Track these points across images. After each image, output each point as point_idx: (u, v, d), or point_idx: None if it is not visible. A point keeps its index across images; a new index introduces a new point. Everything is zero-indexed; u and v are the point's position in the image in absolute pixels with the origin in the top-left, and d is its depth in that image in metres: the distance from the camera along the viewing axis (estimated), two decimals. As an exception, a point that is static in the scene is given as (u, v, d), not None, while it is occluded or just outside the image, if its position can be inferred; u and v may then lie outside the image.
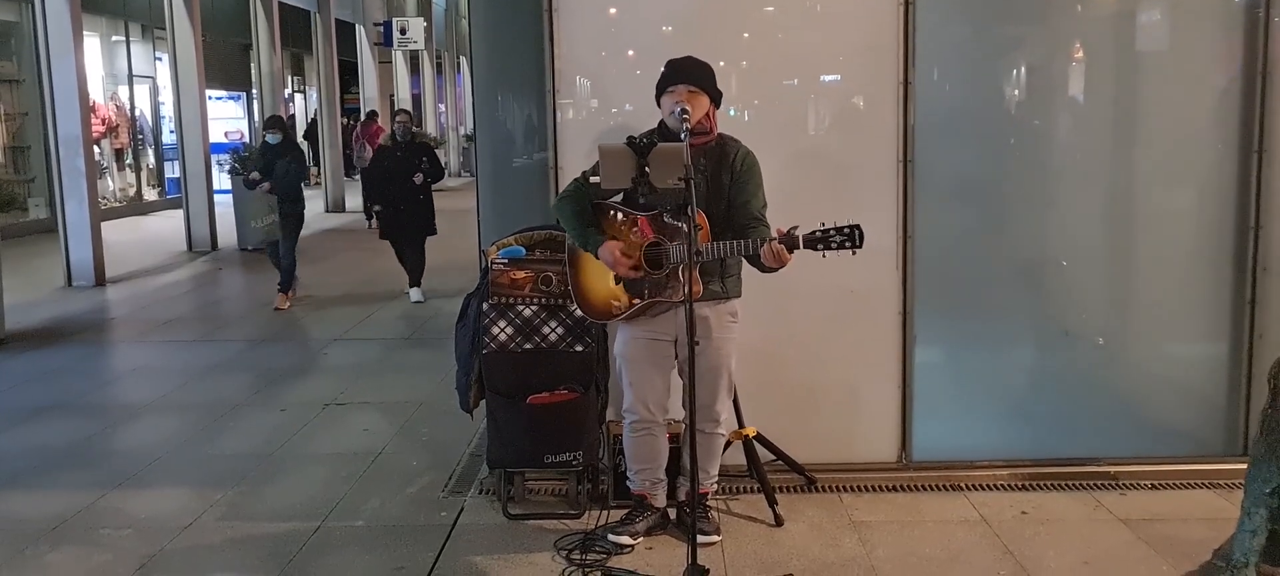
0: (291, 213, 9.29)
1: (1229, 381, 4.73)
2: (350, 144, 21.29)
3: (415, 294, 9.54)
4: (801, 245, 3.48)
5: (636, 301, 3.79)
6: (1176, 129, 4.71)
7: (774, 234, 3.54)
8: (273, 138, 9.27)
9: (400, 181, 9.30)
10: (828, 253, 3.47)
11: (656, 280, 3.72)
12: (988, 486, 4.54)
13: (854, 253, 3.46)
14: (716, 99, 3.84)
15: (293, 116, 23.30)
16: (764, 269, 3.64)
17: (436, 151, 11.07)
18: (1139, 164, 4.81)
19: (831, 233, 3.45)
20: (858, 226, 3.45)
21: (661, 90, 3.81)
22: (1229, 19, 4.58)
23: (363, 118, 18.08)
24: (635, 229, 3.76)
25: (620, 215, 3.80)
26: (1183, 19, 4.75)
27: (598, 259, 3.79)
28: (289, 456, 5.24)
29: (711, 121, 3.82)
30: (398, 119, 9.95)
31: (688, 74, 3.76)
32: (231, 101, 21.68)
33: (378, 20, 22.46)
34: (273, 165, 9.09)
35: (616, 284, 3.82)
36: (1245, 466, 3.54)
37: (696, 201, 3.57)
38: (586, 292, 3.96)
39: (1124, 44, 4.86)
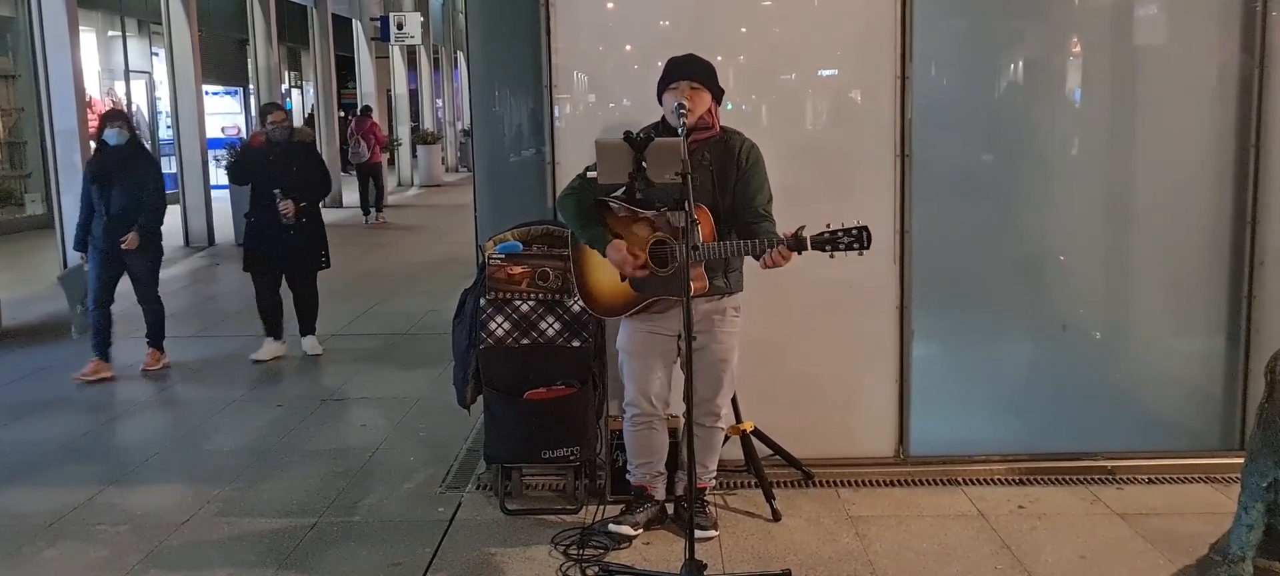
0: (144, 247, 6.60)
1: (1226, 375, 4.73)
2: (346, 139, 21.29)
3: (308, 343, 7.28)
4: (810, 247, 3.48)
5: (641, 297, 3.79)
6: (1173, 123, 4.71)
7: (781, 236, 3.54)
8: (114, 137, 6.51)
9: (270, 196, 6.91)
10: (835, 253, 3.47)
11: (662, 277, 3.72)
12: (985, 481, 4.54)
13: (861, 254, 3.46)
14: (718, 95, 3.84)
15: (289, 112, 23.24)
16: (765, 265, 3.64)
17: (320, 154, 7.91)
18: (1136, 158, 4.82)
19: (840, 234, 3.45)
20: (866, 227, 3.45)
21: (663, 88, 3.80)
22: (1226, 12, 4.58)
23: (358, 113, 18.07)
24: (639, 226, 3.75)
25: (623, 212, 3.80)
26: (1180, 12, 4.75)
27: (605, 258, 3.79)
28: (286, 452, 5.23)
29: (713, 117, 3.82)
30: (270, 118, 7.13)
31: (689, 71, 3.76)
32: (228, 97, 21.65)
33: (375, 15, 22.42)
34: (112, 178, 6.46)
35: (623, 280, 3.82)
36: (1242, 461, 3.54)
37: (700, 196, 3.58)
38: (591, 287, 3.96)
39: (1121, 38, 4.86)
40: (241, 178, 7.19)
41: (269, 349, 7.15)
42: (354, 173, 18.68)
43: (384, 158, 17.45)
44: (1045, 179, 4.79)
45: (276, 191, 6.81)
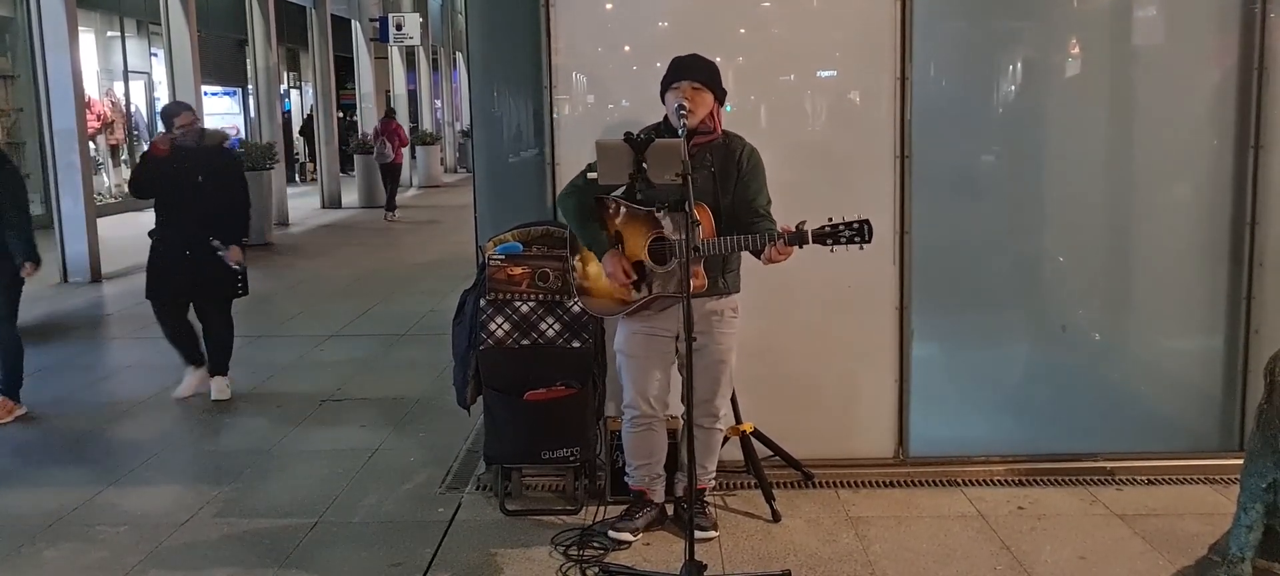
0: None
1: (1225, 376, 4.73)
2: (346, 140, 21.35)
3: (217, 386, 6.18)
4: (810, 241, 3.48)
5: (639, 296, 3.79)
6: (1173, 124, 4.72)
7: (780, 231, 3.54)
8: None
9: (179, 209, 5.98)
10: (836, 247, 3.47)
11: (660, 275, 3.72)
12: (984, 482, 4.54)
13: (862, 248, 3.47)
14: (721, 97, 3.84)
15: (288, 112, 23.28)
16: (766, 260, 3.65)
17: (237, 159, 6.64)
18: (1136, 159, 4.82)
19: (841, 228, 3.46)
20: (867, 221, 3.45)
21: (666, 87, 3.81)
22: (1225, 13, 4.58)
23: (383, 115, 18.62)
24: (639, 224, 3.76)
25: (624, 209, 3.81)
26: (1179, 13, 4.75)
27: (600, 263, 3.80)
28: (286, 452, 5.23)
29: (716, 120, 3.82)
30: (177, 121, 6.01)
31: (692, 71, 3.76)
32: (227, 97, 21.65)
33: (374, 16, 22.43)
34: None
35: (616, 289, 3.82)
36: (1241, 461, 3.55)
37: (701, 198, 3.59)
38: (589, 287, 3.96)
39: (1121, 39, 4.87)
40: (145, 191, 6.15)
41: (191, 381, 6.20)
42: (352, 172, 18.93)
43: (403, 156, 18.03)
44: (1045, 180, 4.79)
45: (215, 241, 5.92)
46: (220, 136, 6.49)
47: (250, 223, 6.35)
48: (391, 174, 16.90)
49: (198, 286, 6.07)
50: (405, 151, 18.93)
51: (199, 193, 5.94)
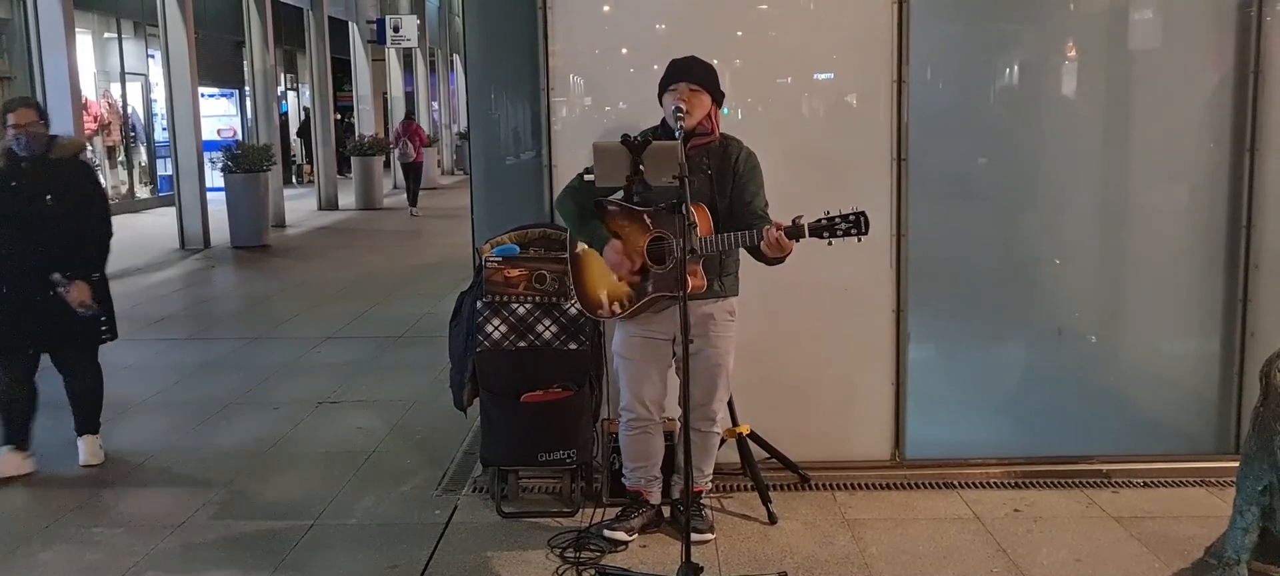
0: None
1: (1221, 379, 4.74)
2: (343, 142, 21.37)
3: (86, 447, 5.01)
4: (808, 234, 3.48)
5: (638, 297, 3.79)
6: (1169, 127, 4.73)
7: (775, 224, 3.55)
8: None
9: (19, 240, 4.68)
10: (834, 240, 3.47)
11: (658, 275, 3.72)
12: (980, 484, 4.55)
13: (860, 239, 3.47)
14: (718, 99, 3.84)
15: (285, 114, 23.30)
16: (767, 261, 3.65)
17: (94, 173, 5.19)
18: (1132, 162, 4.83)
19: (837, 220, 3.46)
20: (863, 213, 3.46)
21: (663, 88, 3.81)
22: (1221, 17, 4.60)
23: (403, 117, 19.09)
24: (637, 225, 3.76)
25: (622, 211, 3.81)
26: (1175, 17, 4.76)
27: (602, 257, 3.79)
28: (282, 454, 5.22)
29: (713, 122, 3.82)
30: (12, 120, 4.63)
31: (689, 72, 3.76)
32: (224, 99, 21.64)
33: (371, 17, 22.43)
34: None
35: (619, 281, 3.82)
36: (1237, 464, 3.56)
37: (699, 200, 3.59)
38: (587, 288, 3.96)
39: (1117, 42, 4.88)
40: None
41: (8, 463, 4.82)
42: (349, 174, 19.14)
43: (425, 155, 18.73)
44: (1041, 183, 4.80)
45: (56, 276, 4.68)
46: (76, 146, 5.09)
47: (108, 254, 4.93)
48: (413, 172, 17.55)
49: (55, 335, 4.84)
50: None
51: (46, 217, 4.68)
